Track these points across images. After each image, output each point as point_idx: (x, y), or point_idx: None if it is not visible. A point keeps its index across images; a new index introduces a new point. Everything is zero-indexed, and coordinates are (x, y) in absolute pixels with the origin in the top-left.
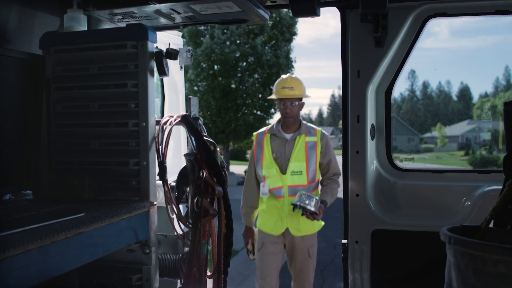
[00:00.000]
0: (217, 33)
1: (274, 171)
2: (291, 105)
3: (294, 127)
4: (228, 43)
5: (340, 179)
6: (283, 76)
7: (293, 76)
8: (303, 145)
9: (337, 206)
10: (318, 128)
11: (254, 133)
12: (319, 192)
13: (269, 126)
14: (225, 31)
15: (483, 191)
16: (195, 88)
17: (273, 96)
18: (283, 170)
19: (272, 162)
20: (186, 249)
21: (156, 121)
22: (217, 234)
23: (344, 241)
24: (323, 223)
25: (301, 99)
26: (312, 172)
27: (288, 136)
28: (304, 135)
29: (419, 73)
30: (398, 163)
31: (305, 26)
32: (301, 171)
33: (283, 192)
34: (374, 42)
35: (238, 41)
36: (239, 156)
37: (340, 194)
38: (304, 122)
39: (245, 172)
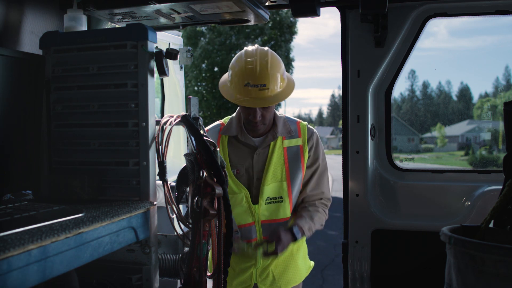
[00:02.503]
0: (211, 36)
1: (239, 199)
2: (263, 109)
3: (263, 130)
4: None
5: (340, 180)
6: (249, 50)
7: (265, 52)
8: (281, 155)
9: (337, 206)
10: (303, 123)
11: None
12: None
13: (225, 120)
14: (221, 34)
15: (483, 191)
16: (195, 88)
17: (231, 99)
18: (253, 197)
19: (234, 183)
20: (186, 249)
21: (156, 121)
22: (217, 234)
23: (344, 241)
24: (312, 263)
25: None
26: (297, 196)
27: (256, 141)
28: (281, 137)
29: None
30: (398, 163)
31: (304, 26)
32: (281, 197)
33: (254, 233)
34: (374, 42)
35: (239, 42)
36: None
37: (339, 194)
38: (279, 115)
39: None
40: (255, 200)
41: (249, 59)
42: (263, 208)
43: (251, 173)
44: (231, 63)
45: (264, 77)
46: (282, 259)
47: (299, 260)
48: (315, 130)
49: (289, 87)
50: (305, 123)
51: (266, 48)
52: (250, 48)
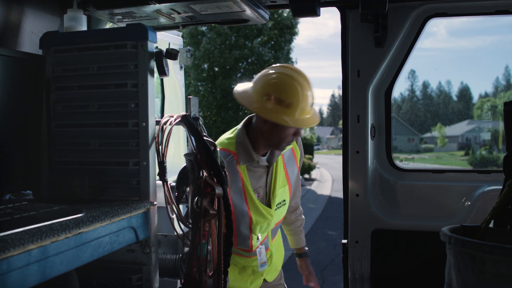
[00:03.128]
0: (212, 36)
1: (262, 219)
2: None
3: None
4: (223, 47)
5: (340, 180)
6: (296, 75)
7: (304, 74)
8: (281, 162)
9: (337, 206)
10: None
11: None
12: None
13: (228, 147)
14: (222, 34)
15: (483, 191)
16: (196, 88)
17: (292, 124)
18: (269, 212)
19: (265, 210)
20: (186, 249)
21: (156, 121)
22: (217, 234)
23: (344, 241)
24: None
25: None
26: (292, 192)
27: (264, 159)
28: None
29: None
30: (398, 163)
31: (304, 26)
32: (284, 200)
33: (268, 241)
34: (374, 42)
35: (238, 42)
36: None
37: (339, 194)
38: None
39: None
40: (271, 214)
41: (306, 82)
42: (276, 214)
43: (265, 189)
44: (292, 96)
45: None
46: (278, 256)
47: (282, 248)
48: None
49: None
50: None
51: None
52: (292, 72)
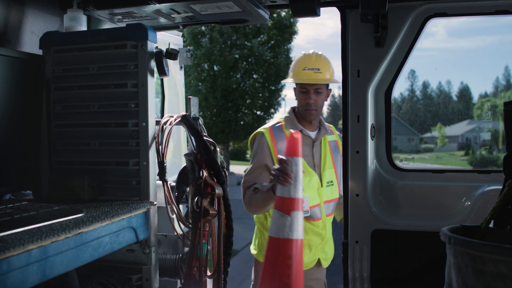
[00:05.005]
0: (215, 35)
1: (312, 182)
2: (316, 94)
3: (316, 123)
4: (224, 46)
5: (340, 179)
6: (305, 52)
7: (319, 53)
8: (327, 147)
9: None
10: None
11: (264, 129)
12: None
13: (276, 122)
14: (224, 34)
15: (483, 191)
16: (196, 88)
17: (289, 80)
18: (311, 173)
19: (307, 168)
20: (186, 249)
21: (156, 121)
22: (217, 234)
23: (344, 241)
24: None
25: (328, 85)
26: (340, 181)
27: (313, 134)
28: (326, 134)
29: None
30: (398, 163)
31: (303, 27)
32: (333, 181)
33: (319, 213)
34: (374, 42)
35: (238, 42)
36: (239, 156)
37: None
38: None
39: (244, 172)
40: (321, 183)
41: (307, 54)
42: (325, 190)
43: (311, 162)
44: (291, 66)
45: (318, 63)
46: (331, 243)
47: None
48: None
49: (336, 80)
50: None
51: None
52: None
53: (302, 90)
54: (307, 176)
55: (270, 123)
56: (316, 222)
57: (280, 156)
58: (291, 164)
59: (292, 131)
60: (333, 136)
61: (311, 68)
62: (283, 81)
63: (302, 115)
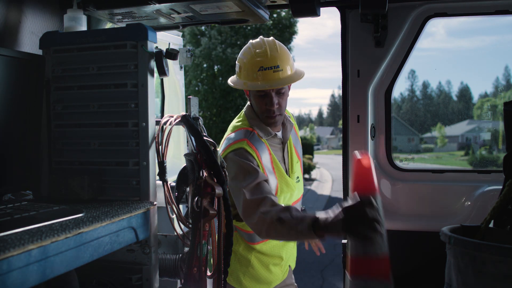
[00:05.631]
0: (213, 34)
1: (286, 188)
2: (278, 95)
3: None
4: (223, 46)
5: (340, 180)
6: (255, 41)
7: (271, 41)
8: (291, 141)
9: None
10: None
11: (243, 145)
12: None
13: (244, 130)
14: (222, 33)
15: (483, 191)
16: (196, 88)
17: (241, 86)
18: (293, 182)
19: (284, 175)
20: (186, 249)
21: (156, 121)
22: (217, 234)
23: (344, 241)
24: None
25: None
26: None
27: (280, 134)
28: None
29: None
30: (398, 163)
31: (302, 27)
32: (299, 177)
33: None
34: (374, 42)
35: (238, 42)
36: None
37: (339, 194)
38: None
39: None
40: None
41: (257, 46)
42: (297, 190)
43: (284, 165)
44: (238, 58)
45: (276, 59)
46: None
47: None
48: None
49: (299, 71)
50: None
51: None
52: (254, 40)
53: (259, 93)
54: (288, 191)
55: (236, 132)
56: None
57: (364, 197)
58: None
59: (357, 154)
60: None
61: (269, 67)
62: (233, 85)
63: (263, 121)
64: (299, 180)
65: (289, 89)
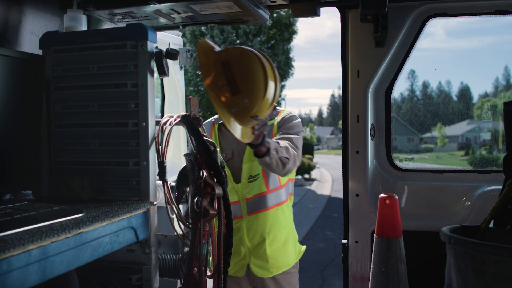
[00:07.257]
0: (216, 33)
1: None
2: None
3: None
4: (224, 46)
5: (340, 180)
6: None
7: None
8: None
9: (337, 206)
10: (286, 110)
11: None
12: (291, 199)
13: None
14: (224, 32)
15: (483, 191)
16: (196, 88)
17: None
18: (236, 177)
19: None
20: (186, 249)
21: (156, 121)
22: (217, 234)
23: (344, 241)
24: (304, 247)
25: None
26: (267, 173)
27: None
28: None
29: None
30: (398, 163)
31: (302, 27)
32: (258, 174)
33: (240, 211)
34: (374, 42)
35: (238, 42)
36: None
37: (339, 194)
38: None
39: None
40: (238, 179)
41: None
42: (246, 187)
43: (236, 156)
44: None
45: None
46: (274, 249)
47: (289, 248)
48: (292, 113)
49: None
50: (288, 111)
51: None
52: None
53: None
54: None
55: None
56: (235, 221)
57: None
58: None
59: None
60: (272, 121)
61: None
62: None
63: None
64: (254, 180)
65: None
